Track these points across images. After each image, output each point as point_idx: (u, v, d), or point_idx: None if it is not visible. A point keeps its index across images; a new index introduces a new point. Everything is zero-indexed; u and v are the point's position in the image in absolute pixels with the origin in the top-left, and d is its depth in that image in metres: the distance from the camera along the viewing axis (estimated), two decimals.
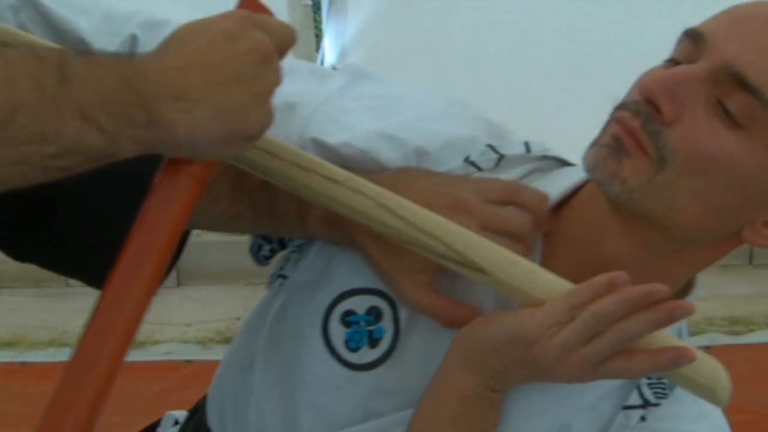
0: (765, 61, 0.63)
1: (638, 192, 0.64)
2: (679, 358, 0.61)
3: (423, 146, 0.74)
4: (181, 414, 1.03)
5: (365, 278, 0.75)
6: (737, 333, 2.73)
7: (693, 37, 0.66)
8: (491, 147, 0.76)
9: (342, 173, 0.69)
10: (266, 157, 0.67)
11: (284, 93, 0.75)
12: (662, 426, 0.74)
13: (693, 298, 0.74)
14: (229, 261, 2.78)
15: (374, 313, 0.75)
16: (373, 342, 0.75)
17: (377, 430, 0.75)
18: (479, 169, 0.75)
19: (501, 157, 0.76)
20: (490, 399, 0.69)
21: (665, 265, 0.70)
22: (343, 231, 0.74)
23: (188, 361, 2.45)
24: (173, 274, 3.03)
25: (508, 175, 0.76)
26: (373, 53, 1.96)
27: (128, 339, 0.55)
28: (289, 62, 0.82)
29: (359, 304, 0.75)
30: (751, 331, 2.75)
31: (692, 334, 2.68)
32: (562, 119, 1.74)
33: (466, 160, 0.75)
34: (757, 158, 0.63)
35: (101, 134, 0.49)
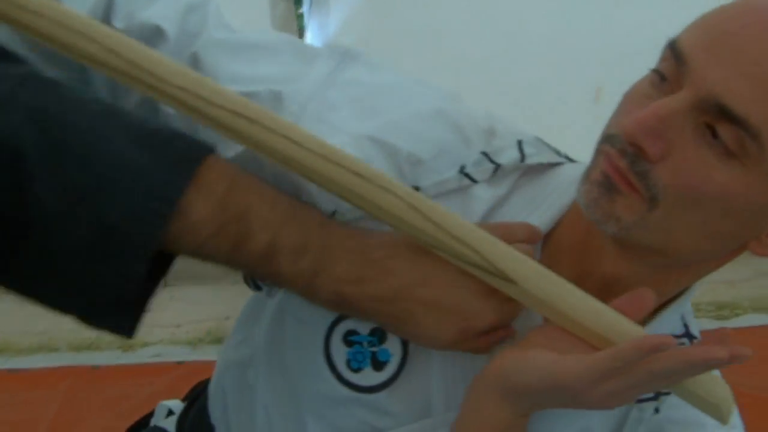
0: (749, 88, 0.59)
1: (634, 229, 0.64)
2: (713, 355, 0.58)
3: (416, 153, 0.71)
4: (174, 404, 1.02)
5: None
6: (723, 318, 2.74)
7: (675, 55, 0.63)
8: (486, 155, 0.74)
9: (371, 170, 0.66)
10: (289, 145, 0.63)
11: (267, 78, 0.71)
12: (674, 414, 0.75)
13: (689, 297, 0.75)
14: None
15: (377, 334, 0.73)
16: (378, 364, 0.73)
17: None
18: (474, 181, 0.73)
19: (497, 167, 0.74)
20: (521, 424, 0.68)
21: (668, 277, 0.70)
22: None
23: (179, 363, 2.43)
24: None
25: (504, 184, 0.74)
26: (356, 47, 1.95)
27: None
28: (272, 39, 0.76)
29: (362, 324, 0.73)
30: (737, 315, 2.76)
31: None
32: (548, 111, 1.74)
33: (461, 170, 0.73)
34: (750, 187, 0.61)
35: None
